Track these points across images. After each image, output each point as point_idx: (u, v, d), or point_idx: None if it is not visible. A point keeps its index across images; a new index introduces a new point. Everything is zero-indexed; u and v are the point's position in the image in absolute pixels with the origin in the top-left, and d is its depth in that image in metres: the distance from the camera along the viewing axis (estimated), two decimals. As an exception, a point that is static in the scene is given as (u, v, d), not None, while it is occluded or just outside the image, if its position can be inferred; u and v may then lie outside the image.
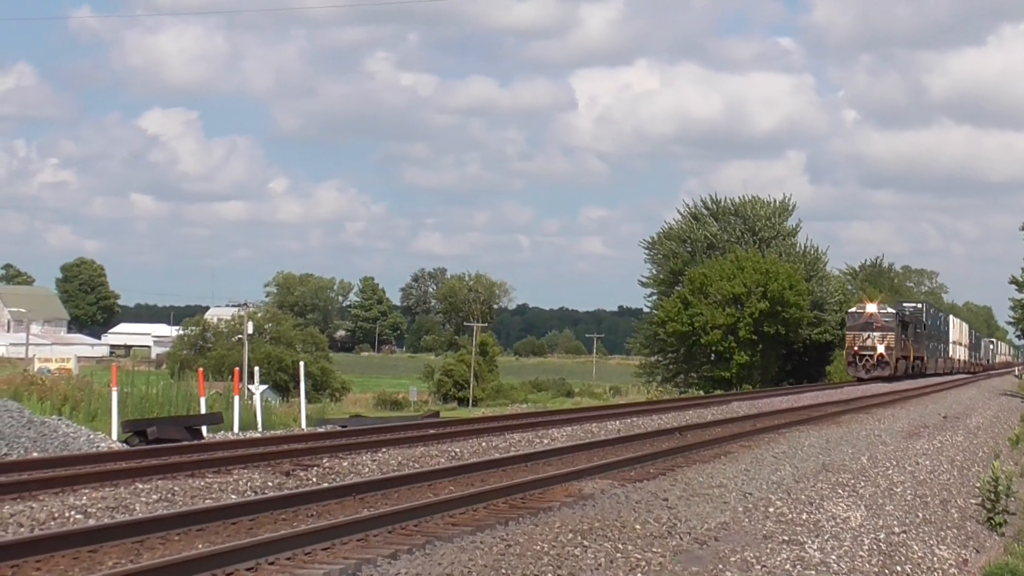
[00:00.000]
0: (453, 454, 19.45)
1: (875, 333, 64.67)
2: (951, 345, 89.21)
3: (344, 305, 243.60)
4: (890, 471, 19.27)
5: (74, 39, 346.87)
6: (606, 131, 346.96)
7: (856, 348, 65.08)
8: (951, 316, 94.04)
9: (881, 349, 64.27)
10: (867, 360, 64.47)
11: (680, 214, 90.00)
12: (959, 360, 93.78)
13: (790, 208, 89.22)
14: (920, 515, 15.55)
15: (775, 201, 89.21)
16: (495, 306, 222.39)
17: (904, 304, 77.44)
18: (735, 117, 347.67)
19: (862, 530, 13.80)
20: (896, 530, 14.13)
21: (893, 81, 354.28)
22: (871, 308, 65.84)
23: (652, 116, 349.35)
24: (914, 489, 17.65)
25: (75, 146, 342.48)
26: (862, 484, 17.38)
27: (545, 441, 22.37)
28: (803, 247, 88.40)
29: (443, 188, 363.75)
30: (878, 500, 16.13)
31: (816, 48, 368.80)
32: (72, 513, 12.40)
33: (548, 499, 14.34)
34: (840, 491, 16.44)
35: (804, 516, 14.14)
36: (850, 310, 69.37)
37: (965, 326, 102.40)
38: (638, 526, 12.53)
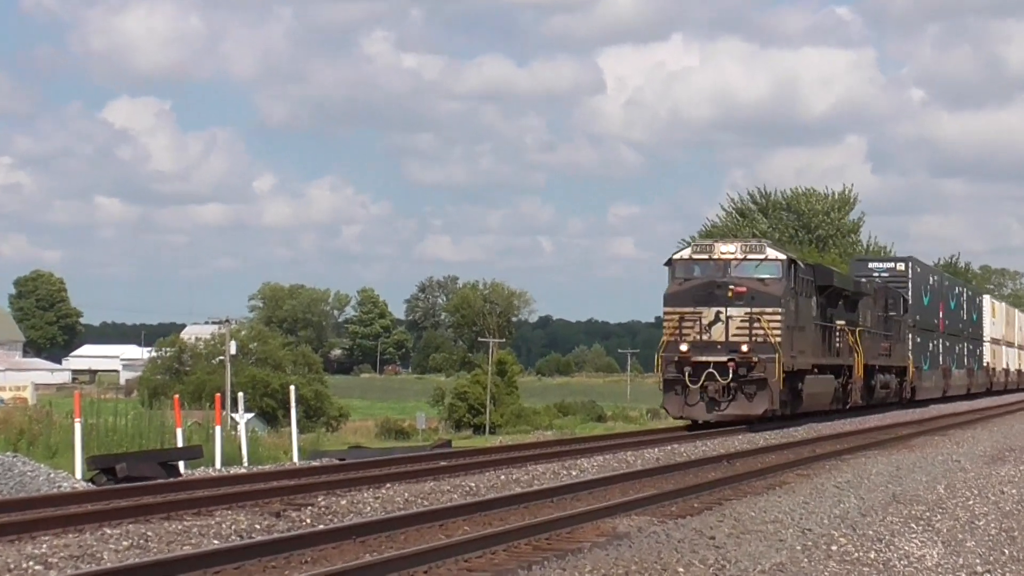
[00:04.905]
0: (467, 489, 19.49)
1: (734, 310, 33.10)
2: (986, 345, 66.59)
3: (340, 320, 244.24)
4: (971, 502, 19.22)
5: (28, 21, 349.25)
6: (638, 117, 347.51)
7: (684, 348, 32.98)
8: (987, 297, 71.98)
9: (745, 346, 32.74)
10: (710, 376, 32.64)
11: (724, 210, 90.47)
12: (1005, 371, 71.53)
13: (851, 201, 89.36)
14: (1006, 552, 15.51)
15: (834, 193, 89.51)
16: (514, 319, 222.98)
17: (869, 264, 54.12)
18: (785, 99, 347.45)
19: (939, 570, 13.77)
20: (979, 569, 14.10)
21: (965, 54, 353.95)
22: (726, 248, 34.36)
23: (690, 99, 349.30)
24: (999, 522, 17.60)
25: (31, 143, 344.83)
26: (938, 517, 17.36)
27: (573, 473, 22.38)
28: (867, 245, 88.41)
29: (452, 185, 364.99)
30: (957, 535, 16.10)
31: (877, 18, 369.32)
32: (31, 564, 12.45)
33: (577, 539, 14.38)
34: (913, 525, 16.42)
35: (872, 555, 14.13)
36: (675, 256, 35.17)
37: (1020, 316, 79.05)
38: (681, 568, 12.53)
